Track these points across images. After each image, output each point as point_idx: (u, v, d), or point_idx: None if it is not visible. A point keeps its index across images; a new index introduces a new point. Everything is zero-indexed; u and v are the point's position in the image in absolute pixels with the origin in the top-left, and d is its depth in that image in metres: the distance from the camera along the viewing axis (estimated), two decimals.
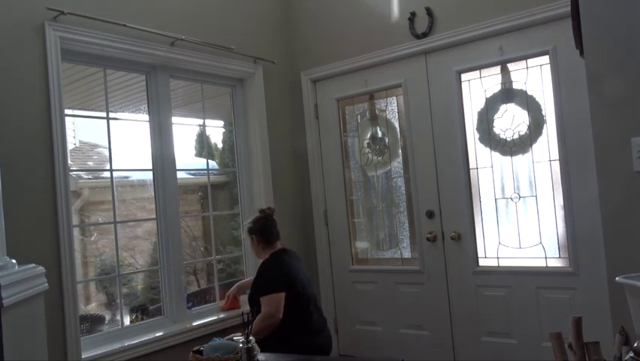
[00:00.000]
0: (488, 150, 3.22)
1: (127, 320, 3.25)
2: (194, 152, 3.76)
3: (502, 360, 3.13)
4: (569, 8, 2.11)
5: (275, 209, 3.02)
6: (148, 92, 3.20)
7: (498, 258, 3.20)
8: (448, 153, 3.32)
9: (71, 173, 2.87)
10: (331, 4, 3.77)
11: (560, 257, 3.01)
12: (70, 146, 2.71)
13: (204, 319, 3.23)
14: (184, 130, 3.54)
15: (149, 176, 3.22)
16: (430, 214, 3.40)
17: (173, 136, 3.26)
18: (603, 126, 1.86)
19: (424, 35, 3.34)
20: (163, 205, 3.17)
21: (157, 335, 2.95)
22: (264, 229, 2.89)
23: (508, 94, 3.16)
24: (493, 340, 3.19)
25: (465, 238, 3.27)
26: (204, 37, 3.30)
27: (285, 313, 2.64)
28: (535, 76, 3.06)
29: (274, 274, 2.74)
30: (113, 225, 3.01)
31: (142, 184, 3.45)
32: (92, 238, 3.93)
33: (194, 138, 3.76)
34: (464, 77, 3.29)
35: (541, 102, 3.04)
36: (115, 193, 3.02)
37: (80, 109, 3.45)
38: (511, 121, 3.14)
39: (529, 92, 3.08)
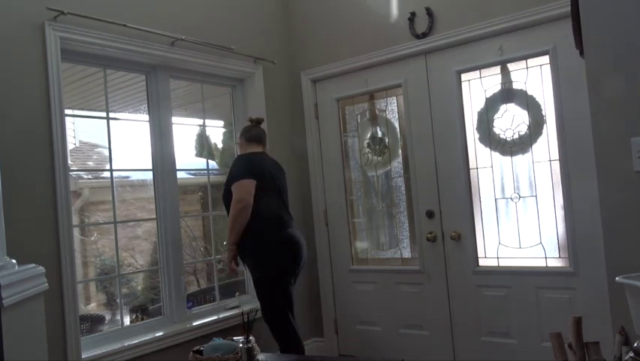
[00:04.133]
0: (488, 150, 3.22)
1: (127, 320, 3.25)
2: (194, 152, 3.77)
3: (502, 360, 3.13)
4: (569, 8, 2.11)
5: (264, 120, 3.26)
6: (148, 92, 3.20)
7: (498, 258, 3.20)
8: (448, 153, 3.32)
9: (71, 173, 2.87)
10: (331, 4, 3.78)
11: (560, 257, 3.01)
12: (70, 146, 2.71)
13: (204, 319, 3.23)
14: (184, 130, 3.54)
15: (149, 176, 3.22)
16: (430, 214, 3.40)
17: (173, 136, 3.26)
18: (603, 126, 1.86)
19: (424, 35, 3.34)
20: (163, 205, 3.17)
21: (157, 335, 2.95)
22: (247, 131, 3.14)
23: (508, 94, 3.16)
24: (493, 340, 3.19)
25: (465, 238, 3.27)
26: (204, 37, 3.30)
27: (255, 201, 2.84)
28: (535, 76, 3.06)
29: (241, 165, 2.96)
30: (113, 225, 3.01)
31: (142, 184, 3.45)
32: (92, 238, 3.94)
33: (194, 138, 3.76)
34: (464, 77, 3.29)
35: (541, 102, 3.04)
36: (115, 193, 3.02)
37: (79, 109, 3.45)
38: (511, 121, 3.14)
39: (529, 92, 3.08)
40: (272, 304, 2.92)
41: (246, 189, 2.83)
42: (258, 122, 3.18)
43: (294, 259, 2.94)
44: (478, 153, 3.26)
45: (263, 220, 2.87)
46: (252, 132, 3.13)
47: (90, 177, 3.85)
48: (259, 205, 2.86)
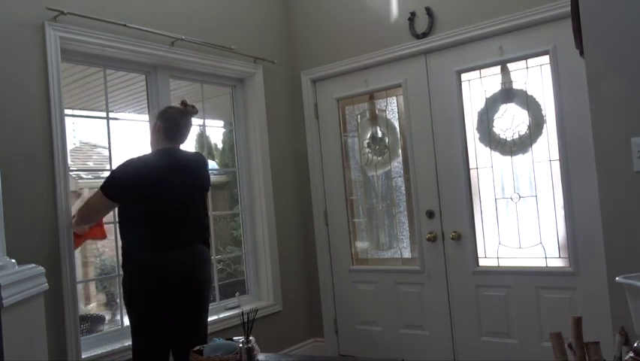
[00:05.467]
0: (488, 149, 3.22)
1: (127, 320, 3.25)
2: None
3: (502, 360, 3.13)
4: (569, 8, 2.11)
5: (197, 111, 2.64)
6: (148, 92, 3.20)
7: (498, 258, 3.20)
8: (448, 153, 3.32)
9: (71, 173, 2.86)
10: (331, 4, 3.78)
11: (560, 257, 3.01)
12: (70, 146, 2.70)
13: None
14: None
15: None
16: (430, 214, 3.40)
17: None
18: (603, 126, 1.86)
19: (424, 35, 3.34)
20: None
21: None
22: (169, 120, 2.52)
23: (508, 94, 3.16)
24: (493, 340, 3.19)
25: (465, 238, 3.27)
26: (204, 37, 3.30)
27: (125, 222, 2.46)
28: (535, 76, 3.06)
29: (117, 172, 2.45)
30: (112, 225, 3.00)
31: None
32: None
33: (194, 138, 3.75)
34: (464, 77, 3.29)
35: (541, 102, 3.05)
36: None
37: (80, 109, 3.45)
38: (511, 121, 3.14)
39: (529, 92, 3.08)
40: (134, 348, 2.44)
41: (94, 207, 2.49)
42: (191, 110, 2.60)
43: (155, 289, 2.36)
44: (478, 153, 3.26)
45: (128, 244, 2.45)
46: (174, 127, 2.53)
47: (90, 177, 3.85)
48: (128, 225, 2.44)
